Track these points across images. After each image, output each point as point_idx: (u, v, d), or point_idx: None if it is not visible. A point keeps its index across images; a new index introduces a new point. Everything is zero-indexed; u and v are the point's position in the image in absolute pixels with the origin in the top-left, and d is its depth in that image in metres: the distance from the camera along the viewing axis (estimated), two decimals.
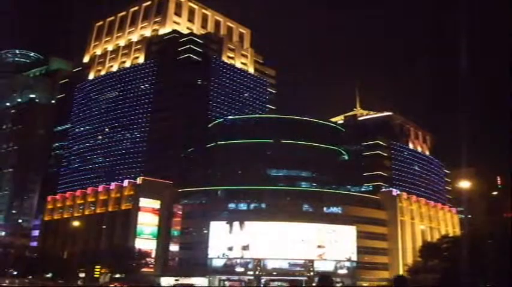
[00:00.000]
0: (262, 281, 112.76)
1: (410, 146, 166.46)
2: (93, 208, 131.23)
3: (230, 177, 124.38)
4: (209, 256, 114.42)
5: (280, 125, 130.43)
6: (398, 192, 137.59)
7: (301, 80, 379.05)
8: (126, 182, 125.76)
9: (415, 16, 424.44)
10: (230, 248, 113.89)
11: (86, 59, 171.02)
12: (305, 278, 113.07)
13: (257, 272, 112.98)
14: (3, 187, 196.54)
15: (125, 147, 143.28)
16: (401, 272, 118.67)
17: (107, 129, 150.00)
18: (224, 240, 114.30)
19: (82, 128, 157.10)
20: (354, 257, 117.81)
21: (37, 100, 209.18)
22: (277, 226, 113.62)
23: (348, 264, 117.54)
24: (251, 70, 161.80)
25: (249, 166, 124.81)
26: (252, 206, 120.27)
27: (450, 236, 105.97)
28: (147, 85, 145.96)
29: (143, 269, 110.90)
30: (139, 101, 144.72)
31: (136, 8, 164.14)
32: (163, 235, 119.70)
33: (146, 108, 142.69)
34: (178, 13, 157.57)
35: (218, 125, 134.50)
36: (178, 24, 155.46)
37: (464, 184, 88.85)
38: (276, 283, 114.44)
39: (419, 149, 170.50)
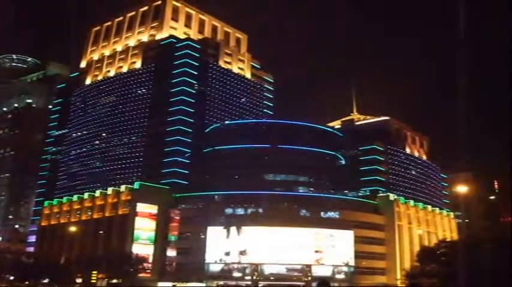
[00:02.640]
0: (260, 286, 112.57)
1: (407, 150, 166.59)
2: (90, 213, 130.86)
3: (227, 182, 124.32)
4: (206, 261, 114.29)
5: (277, 130, 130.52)
6: (396, 197, 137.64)
7: (298, 85, 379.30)
8: (123, 187, 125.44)
9: (414, 18, 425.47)
10: (227, 253, 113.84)
11: (83, 64, 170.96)
12: (302, 283, 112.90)
13: (254, 277, 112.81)
14: (0, 192, 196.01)
15: (122, 152, 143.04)
16: (398, 276, 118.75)
17: (104, 135, 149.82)
18: (221, 245, 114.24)
19: (79, 133, 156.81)
20: (352, 262, 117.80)
21: (34, 105, 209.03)
22: (274, 231, 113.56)
23: (345, 269, 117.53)
24: (248, 75, 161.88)
25: (246, 171, 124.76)
26: (249, 211, 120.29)
27: (448, 241, 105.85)
28: (144, 90, 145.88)
29: (140, 275, 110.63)
30: (137, 106, 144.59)
31: (133, 13, 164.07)
32: (160, 240, 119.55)
33: (143, 113, 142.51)
34: (175, 18, 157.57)
35: (215, 130, 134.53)
36: (175, 29, 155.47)
37: (462, 189, 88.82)
38: None
39: (416, 153, 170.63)
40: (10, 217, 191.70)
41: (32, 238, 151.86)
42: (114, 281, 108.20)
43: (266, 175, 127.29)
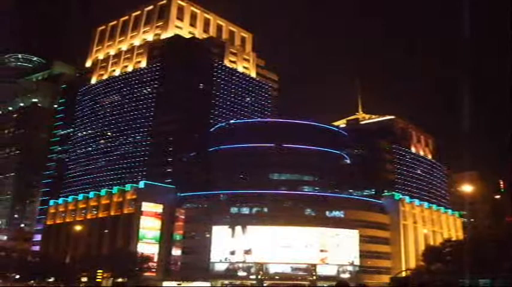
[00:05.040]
0: (265, 285, 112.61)
1: (413, 150, 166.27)
2: (95, 212, 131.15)
3: (232, 181, 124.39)
4: (211, 260, 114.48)
5: (282, 129, 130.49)
6: (401, 196, 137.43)
7: (303, 84, 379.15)
8: (128, 186, 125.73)
9: (416, 16, 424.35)
10: (232, 253, 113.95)
11: (88, 64, 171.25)
12: (307, 282, 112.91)
13: (259, 277, 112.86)
14: (6, 191, 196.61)
15: (127, 151, 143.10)
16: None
17: (109, 134, 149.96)
18: (226, 244, 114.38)
19: (84, 132, 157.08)
20: (357, 262, 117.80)
21: (39, 104, 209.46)
22: (279, 230, 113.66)
23: (350, 268, 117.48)
24: (253, 74, 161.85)
25: (251, 170, 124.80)
26: (254, 210, 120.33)
27: (453, 240, 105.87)
28: (149, 89, 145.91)
29: (145, 274, 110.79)
30: (142, 105, 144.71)
31: (138, 12, 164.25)
32: (165, 239, 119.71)
33: (148, 113, 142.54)
34: (180, 17, 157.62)
35: (220, 129, 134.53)
36: (180, 28, 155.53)
37: (467, 188, 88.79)
38: None
39: (421, 153, 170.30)
40: (16, 216, 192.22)
41: (38, 237, 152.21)
42: (120, 280, 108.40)
43: (271, 174, 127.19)
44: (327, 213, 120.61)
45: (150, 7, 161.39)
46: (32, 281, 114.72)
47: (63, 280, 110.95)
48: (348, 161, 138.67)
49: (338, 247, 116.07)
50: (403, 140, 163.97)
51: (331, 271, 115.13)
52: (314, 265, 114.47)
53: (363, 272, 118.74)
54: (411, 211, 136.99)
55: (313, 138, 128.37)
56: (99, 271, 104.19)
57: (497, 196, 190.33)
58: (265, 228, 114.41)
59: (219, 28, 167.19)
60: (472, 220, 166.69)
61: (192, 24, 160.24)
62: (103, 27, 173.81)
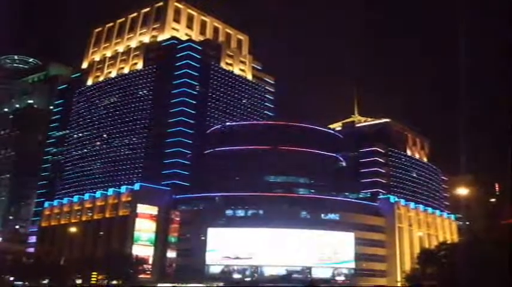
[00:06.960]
0: None
1: (408, 152, 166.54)
2: (90, 214, 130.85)
3: (228, 183, 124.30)
4: (206, 263, 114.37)
5: (278, 132, 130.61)
6: (396, 199, 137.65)
7: (299, 87, 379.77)
8: (123, 188, 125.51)
9: (414, 19, 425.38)
10: (227, 255, 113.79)
11: (84, 65, 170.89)
12: (303, 285, 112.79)
13: (254, 279, 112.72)
14: (0, 193, 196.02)
15: (123, 153, 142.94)
16: (399, 279, 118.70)
17: (105, 136, 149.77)
18: (222, 246, 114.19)
19: (80, 134, 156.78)
20: (352, 264, 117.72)
21: (35, 106, 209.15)
22: (274, 233, 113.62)
23: (345, 271, 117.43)
24: (249, 77, 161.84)
25: (247, 172, 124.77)
26: (250, 212, 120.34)
27: (448, 243, 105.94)
28: (145, 91, 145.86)
29: (140, 276, 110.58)
30: (138, 107, 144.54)
31: (135, 14, 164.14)
32: (160, 242, 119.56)
33: (144, 115, 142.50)
34: (177, 20, 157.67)
35: (216, 131, 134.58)
36: (177, 30, 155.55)
37: (462, 191, 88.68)
38: None
39: (417, 155, 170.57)
40: (10, 217, 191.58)
41: (32, 239, 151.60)
42: (114, 282, 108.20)
43: (266, 177, 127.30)
44: (323, 215, 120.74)
45: (147, 9, 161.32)
46: (27, 283, 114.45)
47: (58, 282, 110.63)
48: (344, 164, 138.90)
49: (333, 249, 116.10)
50: (399, 142, 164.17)
51: (326, 273, 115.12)
52: (309, 268, 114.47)
53: (358, 274, 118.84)
54: (406, 213, 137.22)
55: (308, 140, 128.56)
56: (93, 273, 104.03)
57: (493, 199, 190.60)
58: (260, 230, 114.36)
59: (216, 30, 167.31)
60: (467, 222, 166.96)
61: (189, 26, 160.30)
62: (99, 28, 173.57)
